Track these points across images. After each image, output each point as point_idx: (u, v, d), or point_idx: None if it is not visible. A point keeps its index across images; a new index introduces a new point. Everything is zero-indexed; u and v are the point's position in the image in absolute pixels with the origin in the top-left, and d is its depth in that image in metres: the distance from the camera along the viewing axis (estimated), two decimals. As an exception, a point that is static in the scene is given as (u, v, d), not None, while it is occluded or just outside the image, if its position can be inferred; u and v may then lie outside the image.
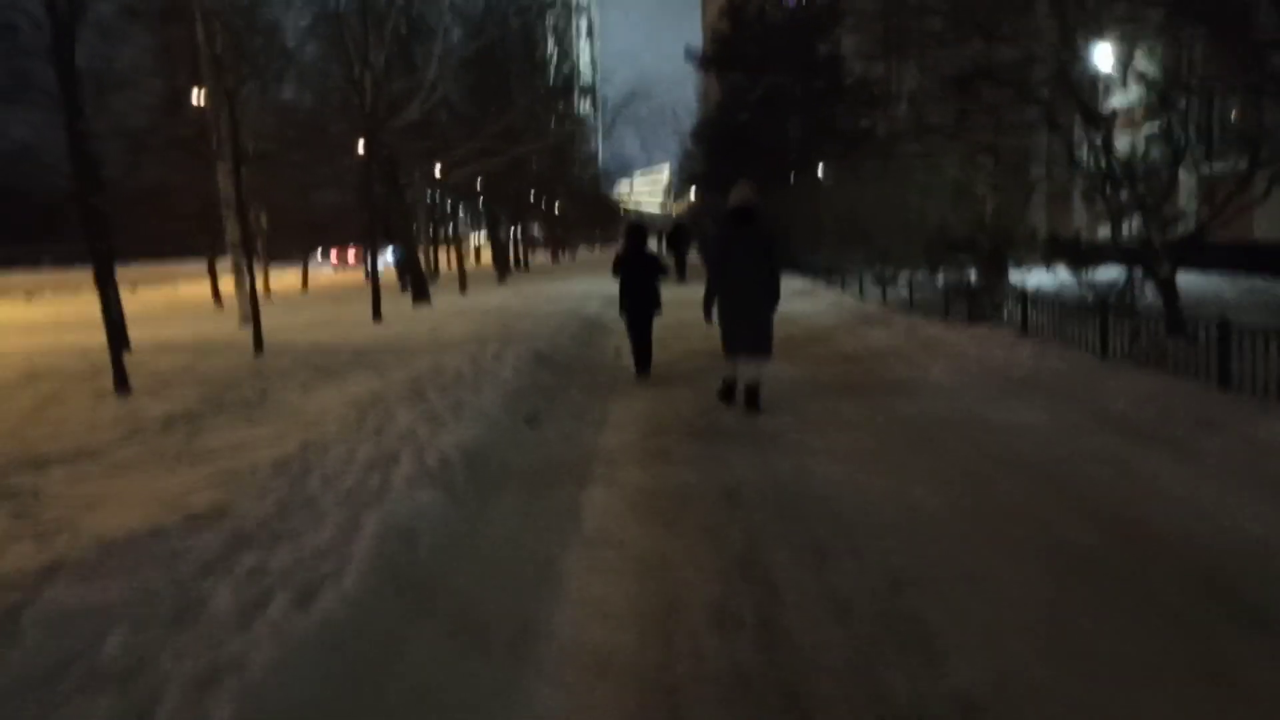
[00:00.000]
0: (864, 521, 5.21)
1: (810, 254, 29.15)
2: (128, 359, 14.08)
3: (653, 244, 12.22)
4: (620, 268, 11.22)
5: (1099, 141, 11.73)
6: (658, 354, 11.94)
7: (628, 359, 11.60)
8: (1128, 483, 5.76)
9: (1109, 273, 14.43)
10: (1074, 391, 8.24)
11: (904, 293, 17.25)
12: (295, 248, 45.30)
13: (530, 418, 7.82)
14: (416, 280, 24.95)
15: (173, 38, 18.50)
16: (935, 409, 8.17)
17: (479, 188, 38.78)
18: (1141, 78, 16.24)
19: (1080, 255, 13.82)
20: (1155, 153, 12.04)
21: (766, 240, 8.80)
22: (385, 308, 22.75)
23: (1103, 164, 11.52)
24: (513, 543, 4.93)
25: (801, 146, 38.04)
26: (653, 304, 11.19)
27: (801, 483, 6.05)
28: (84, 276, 19.20)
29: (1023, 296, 10.97)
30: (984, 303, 12.93)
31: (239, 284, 21.73)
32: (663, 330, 15.60)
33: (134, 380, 11.27)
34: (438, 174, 26.51)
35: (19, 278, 53.39)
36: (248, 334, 15.16)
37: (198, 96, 18.00)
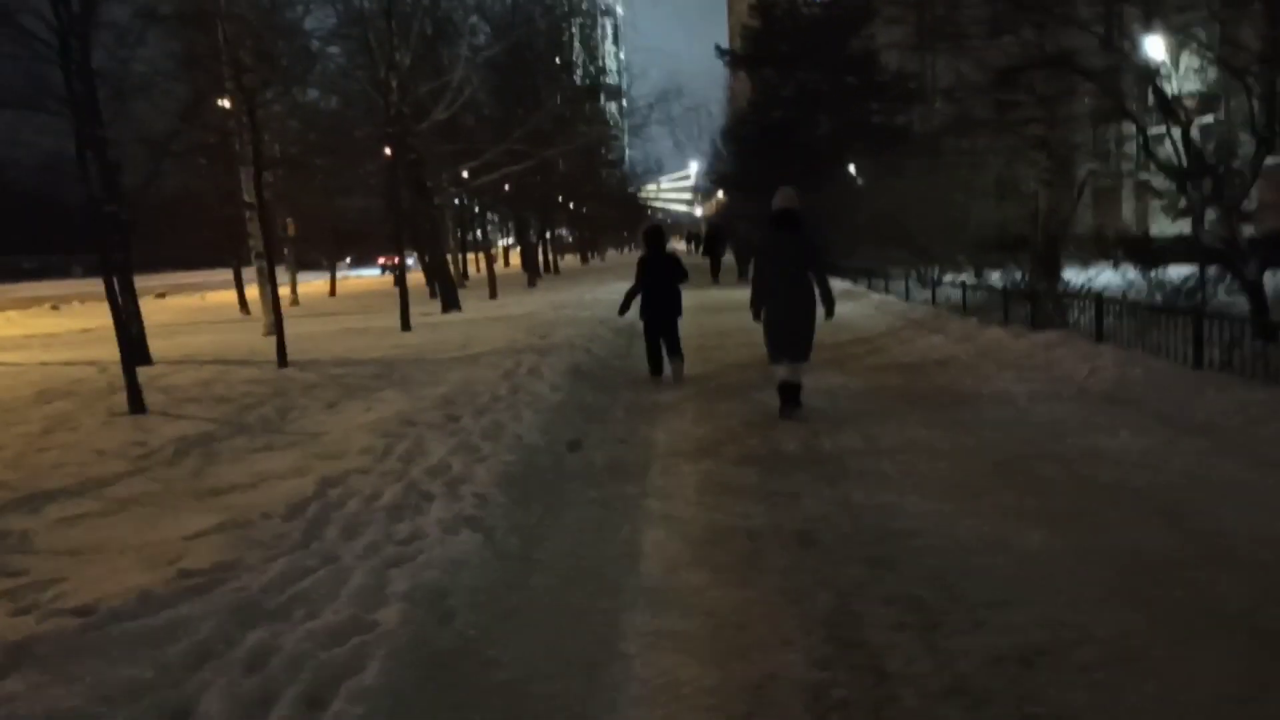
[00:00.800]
0: (969, 574, 4.47)
1: (848, 255, 28.34)
2: (147, 374, 13.55)
3: (683, 245, 12.35)
4: (644, 271, 11.02)
5: (1176, 133, 10.89)
6: (698, 366, 11.29)
7: (668, 371, 11.06)
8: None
9: (1175, 272, 13.63)
10: (1174, 409, 7.43)
11: (952, 294, 16.44)
12: (324, 254, 45.01)
13: (573, 444, 7.13)
14: (445, 287, 24.37)
15: (194, 41, 17.99)
16: (1018, 429, 7.41)
17: (507, 190, 38.23)
18: (1204, 64, 15.36)
19: (1152, 254, 13.02)
20: (1233, 143, 11.22)
21: (810, 245, 8.81)
22: (415, 316, 22.22)
23: (1181, 156, 10.68)
24: (563, 604, 4.24)
25: (835, 145, 37.19)
26: (675, 308, 10.96)
27: (884, 523, 5.32)
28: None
29: (1097, 300, 10.17)
30: (1046, 306, 12.13)
31: (263, 292, 21.26)
32: (702, 339, 14.96)
33: (151, 398, 10.74)
34: (464, 177, 25.89)
35: (49, 287, 53.49)
36: (272, 344, 14.60)
37: (220, 101, 17.47)
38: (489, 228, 65.45)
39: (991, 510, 5.42)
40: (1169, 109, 11.21)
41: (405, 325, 18.89)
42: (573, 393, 8.83)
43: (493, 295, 29.72)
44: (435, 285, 26.40)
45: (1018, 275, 15.84)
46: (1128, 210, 25.11)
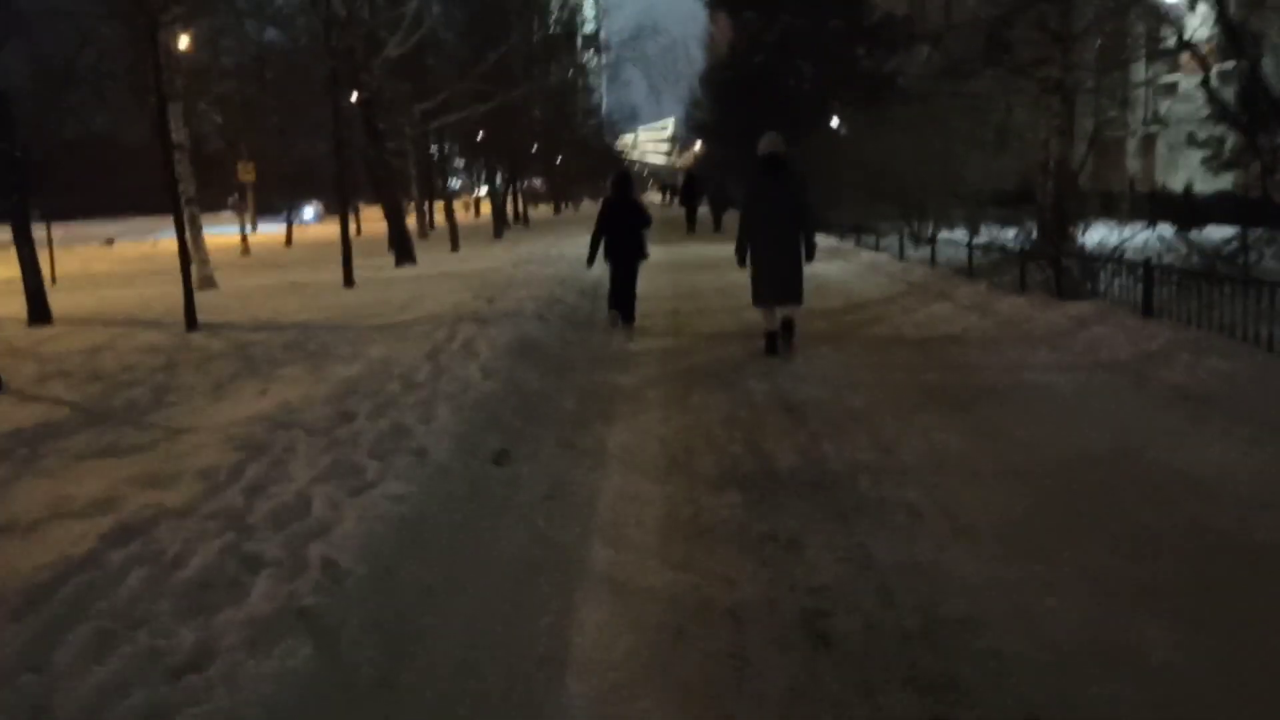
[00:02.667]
0: (1062, 689, 2.85)
1: (834, 209, 26.60)
2: (35, 337, 11.74)
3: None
4: (606, 216, 11.14)
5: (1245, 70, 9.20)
6: (668, 339, 9.73)
7: (639, 341, 9.50)
8: None
9: (1215, 234, 12.02)
10: (1274, 409, 5.80)
11: (953, 254, 14.79)
12: (284, 200, 42.79)
13: (499, 456, 5.43)
14: (399, 238, 22.47)
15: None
16: (1076, 438, 5.75)
17: (479, 139, 36.17)
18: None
19: (1190, 213, 11.40)
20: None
21: (796, 188, 8.88)
22: (366, 269, 20.40)
23: (1250, 99, 9.01)
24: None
25: (820, 92, 35.28)
26: (638, 253, 11.11)
27: (927, 601, 3.67)
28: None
29: (1146, 266, 8.50)
30: (1073, 271, 10.47)
31: (192, 242, 19.31)
32: (676, 301, 13.25)
33: (20, 369, 9.16)
34: (420, 118, 23.89)
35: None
36: (203, 299, 12.87)
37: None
38: (458, 176, 63.26)
39: (1079, 580, 3.78)
40: (1236, 40, 9.48)
41: (348, 281, 17.08)
42: (512, 378, 7.10)
43: (454, 247, 27.84)
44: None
45: (1027, 233, 14.21)
46: (1134, 165, 23.48)
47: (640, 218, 11.21)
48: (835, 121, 35.08)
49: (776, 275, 8.77)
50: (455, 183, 66.40)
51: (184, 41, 29.89)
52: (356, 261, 23.11)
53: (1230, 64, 19.92)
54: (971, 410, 6.58)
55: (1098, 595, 3.65)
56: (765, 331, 8.94)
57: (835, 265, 17.57)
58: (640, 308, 11.65)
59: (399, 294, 14.45)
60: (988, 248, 12.97)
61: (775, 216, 8.73)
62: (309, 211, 55.73)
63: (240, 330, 11.19)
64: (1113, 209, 19.11)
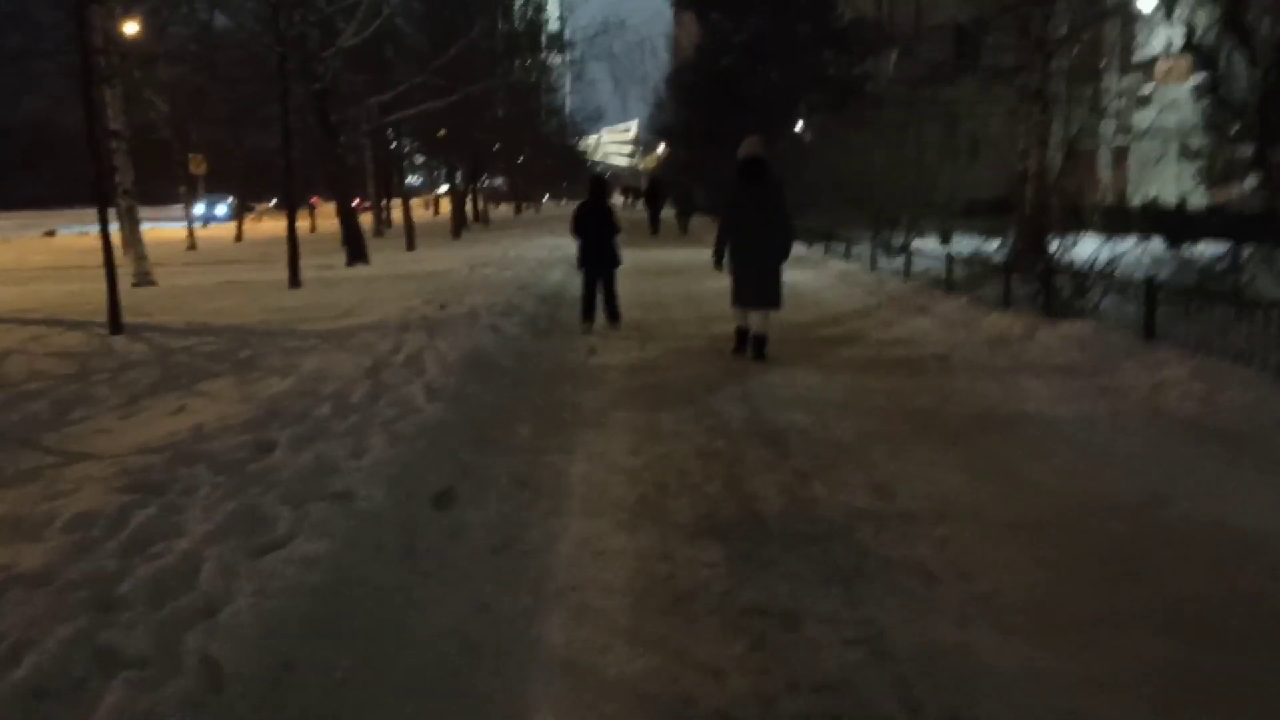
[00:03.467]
0: None
1: (802, 216, 26.05)
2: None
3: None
4: (581, 220, 11.06)
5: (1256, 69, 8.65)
6: (634, 351, 9.06)
7: (602, 354, 8.81)
8: None
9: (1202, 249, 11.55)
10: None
11: (929, 265, 14.21)
12: (236, 194, 41.48)
13: (441, 498, 4.68)
14: (351, 237, 21.57)
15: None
16: (1095, 483, 5.10)
17: (439, 136, 35.21)
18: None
19: (1182, 226, 10.90)
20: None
21: (776, 193, 8.87)
22: (316, 268, 19.54)
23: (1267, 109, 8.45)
24: None
25: (788, 96, 34.74)
26: (612, 259, 11.09)
27: (959, 710, 2.98)
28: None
29: (1149, 285, 7.90)
30: (1061, 288, 9.87)
31: (129, 236, 18.33)
32: (643, 311, 12.51)
33: None
34: (374, 111, 22.97)
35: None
36: (139, 297, 12.03)
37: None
38: (419, 173, 62.12)
39: (1137, 673, 3.11)
40: (1244, 36, 8.93)
41: (294, 281, 16.20)
42: (461, 398, 6.34)
43: (410, 247, 26.94)
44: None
45: (997, 245, 13.69)
46: (1105, 176, 23.15)
47: (612, 223, 11.10)
48: (800, 126, 34.59)
49: (757, 279, 8.78)
50: (416, 180, 65.32)
51: (133, 26, 28.82)
52: (307, 260, 22.18)
53: (1204, 76, 19.61)
54: (972, 444, 5.92)
55: (1168, 697, 2.98)
56: (736, 328, 9.04)
57: (805, 274, 16.94)
58: (604, 320, 10.97)
59: (346, 296, 13.63)
60: (970, 260, 12.36)
61: (757, 222, 8.74)
62: (220, 208, 50.72)
63: (169, 334, 10.33)
64: (1092, 222, 18.70)
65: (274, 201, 59.12)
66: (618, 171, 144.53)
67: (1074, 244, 10.25)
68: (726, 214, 9.12)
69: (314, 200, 49.67)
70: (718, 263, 9.13)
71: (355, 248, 21.44)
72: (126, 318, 11.60)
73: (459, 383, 6.64)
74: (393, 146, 34.70)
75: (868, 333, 10.29)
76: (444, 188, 63.93)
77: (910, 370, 8.26)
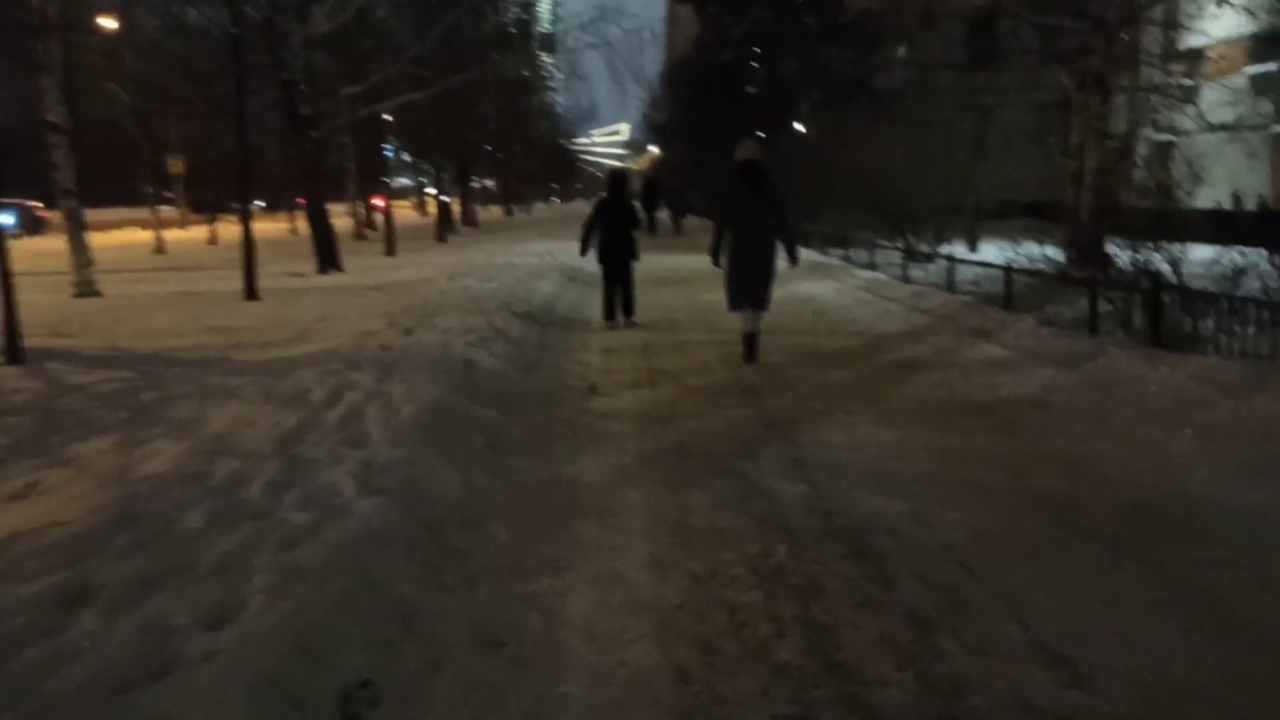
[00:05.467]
0: None
1: (813, 220, 24.21)
2: None
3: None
4: (600, 216, 11.42)
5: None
6: (644, 391, 7.20)
7: (604, 394, 6.98)
8: None
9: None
10: None
11: (970, 275, 12.41)
12: (216, 195, 39.41)
13: (356, 696, 2.79)
14: (323, 242, 19.65)
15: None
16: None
17: (426, 134, 33.33)
18: None
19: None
20: None
21: (773, 195, 8.92)
22: (282, 277, 17.73)
23: None
24: None
25: (792, 93, 32.94)
26: (631, 253, 11.37)
27: None
28: None
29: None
30: (1170, 308, 8.02)
31: (71, 241, 16.38)
32: (650, 333, 10.58)
33: None
34: (348, 103, 21.09)
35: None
36: (81, 309, 10.15)
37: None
38: (408, 175, 60.14)
39: None
40: None
41: (250, 292, 14.30)
42: (410, 485, 4.45)
43: (389, 251, 25.04)
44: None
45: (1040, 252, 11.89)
46: (1139, 176, 21.35)
47: (631, 218, 11.50)
48: (804, 124, 32.73)
49: (750, 279, 8.80)
50: (405, 181, 63.29)
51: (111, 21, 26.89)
52: (277, 266, 20.34)
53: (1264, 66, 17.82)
54: (1149, 559, 4.07)
55: None
56: (743, 335, 8.91)
57: (826, 286, 15.09)
58: (605, 342, 9.19)
59: (304, 312, 11.77)
60: (1046, 272, 10.53)
61: (752, 224, 8.79)
62: (4, 217, 47.64)
63: (78, 364, 8.48)
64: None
65: (263, 204, 56.98)
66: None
67: (1180, 254, 8.40)
68: (723, 214, 9.22)
69: (302, 200, 47.10)
70: (715, 259, 9.24)
71: (327, 254, 19.53)
72: (46, 338, 9.87)
73: (411, 457, 4.76)
74: (375, 144, 32.89)
75: (928, 365, 8.42)
76: (432, 189, 62.01)
77: (1003, 422, 6.40)
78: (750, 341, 8.81)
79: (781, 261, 9.09)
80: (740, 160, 8.92)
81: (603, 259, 11.27)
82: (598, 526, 4.50)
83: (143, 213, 39.22)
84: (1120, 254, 9.32)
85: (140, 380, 7.39)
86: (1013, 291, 10.78)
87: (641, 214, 13.07)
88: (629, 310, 11.26)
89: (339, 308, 12.04)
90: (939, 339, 9.64)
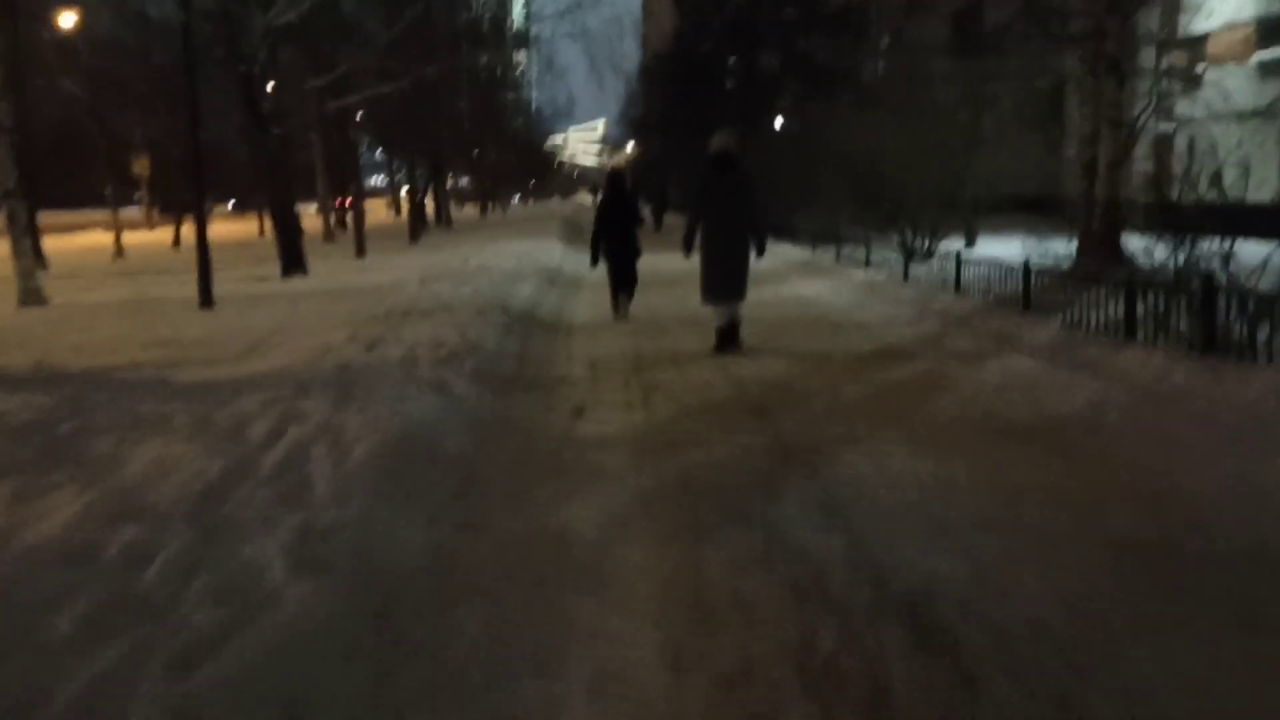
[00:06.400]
0: None
1: (796, 215, 23.37)
2: None
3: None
4: (604, 215, 11.69)
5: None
6: (642, 414, 6.27)
7: (593, 418, 6.08)
8: None
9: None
10: None
11: (977, 273, 11.60)
12: (187, 196, 38.11)
13: None
14: (288, 244, 18.64)
15: None
16: None
17: (399, 130, 32.29)
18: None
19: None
20: None
21: (745, 184, 8.97)
22: (245, 281, 16.82)
23: None
24: None
25: (774, 84, 32.09)
26: (634, 249, 11.58)
27: None
28: None
29: None
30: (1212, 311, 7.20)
31: (15, 247, 15.30)
32: (639, 339, 9.59)
33: None
34: (312, 97, 20.09)
35: None
36: (16, 320, 9.21)
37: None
38: (381, 173, 58.99)
39: None
40: None
41: (205, 299, 13.33)
42: (357, 558, 3.53)
43: (359, 253, 24.04)
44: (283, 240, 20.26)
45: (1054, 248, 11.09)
46: (1137, 169, 20.64)
47: (635, 214, 11.87)
48: (788, 115, 31.88)
49: (725, 272, 8.85)
50: (380, 180, 62.06)
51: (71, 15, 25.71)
52: (240, 270, 19.37)
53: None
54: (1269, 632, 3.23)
55: None
56: (717, 328, 8.93)
57: (823, 286, 14.25)
58: (591, 354, 8.31)
59: (261, 322, 10.83)
60: (1055, 271, 9.71)
61: (725, 213, 8.85)
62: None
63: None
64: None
65: (231, 203, 55.57)
66: (585, 170, 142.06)
67: (1230, 250, 7.58)
68: (696, 204, 9.22)
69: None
70: (687, 252, 9.23)
71: (292, 257, 18.52)
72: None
73: (361, 515, 3.84)
74: (345, 141, 31.81)
75: (952, 376, 7.56)
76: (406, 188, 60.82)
77: (1056, 448, 5.54)
78: (723, 335, 8.83)
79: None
80: (714, 150, 9.03)
81: (607, 257, 11.55)
82: (595, 603, 3.60)
83: (108, 214, 38.05)
84: (1153, 250, 8.51)
85: (61, 408, 6.42)
86: (1031, 292, 9.95)
87: (647, 214, 12.98)
88: (629, 296, 11.63)
89: (299, 317, 11.09)
90: (959, 345, 8.79)
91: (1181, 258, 8.08)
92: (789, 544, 4.18)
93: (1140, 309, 8.08)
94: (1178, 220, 8.40)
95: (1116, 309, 8.71)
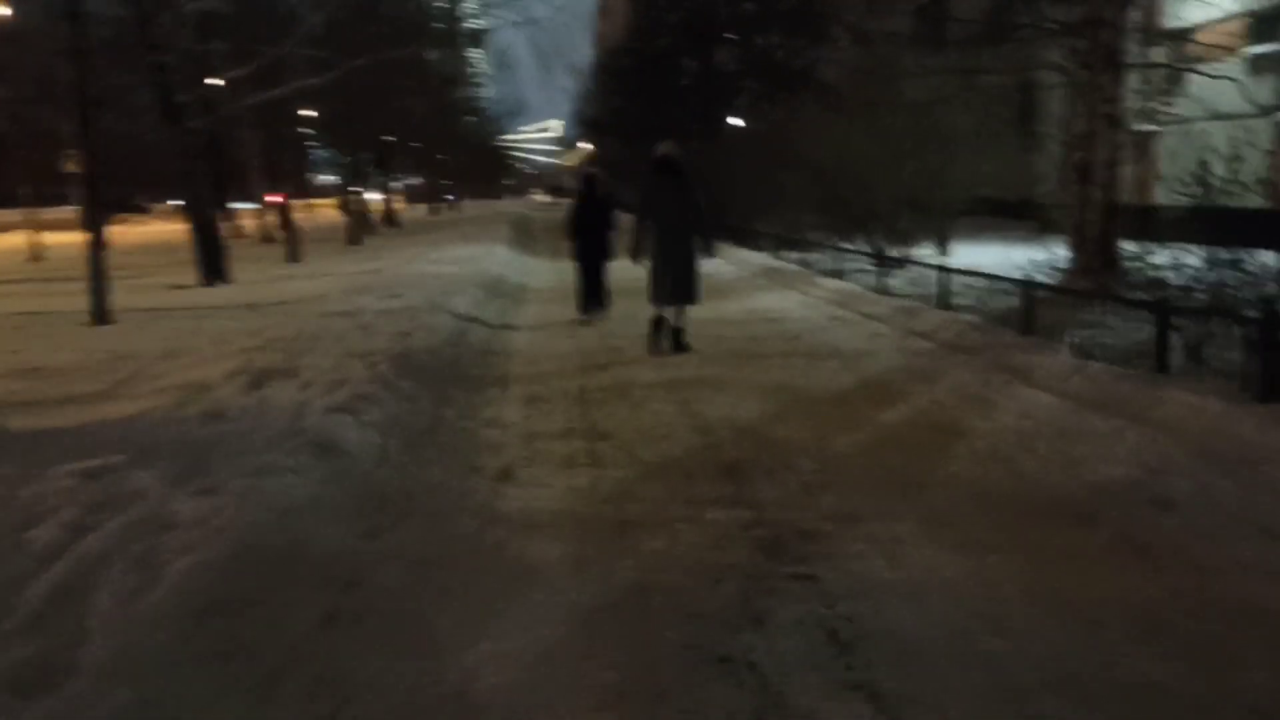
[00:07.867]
0: None
1: (758, 219, 22.17)
2: None
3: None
4: (577, 219, 11.52)
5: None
6: (587, 474, 4.88)
7: (525, 479, 4.76)
8: None
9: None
10: None
11: (954, 287, 10.46)
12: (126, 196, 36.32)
13: None
14: (208, 250, 17.06)
15: None
16: None
17: (329, 123, 30.68)
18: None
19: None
20: None
21: (689, 187, 9.07)
22: (162, 289, 15.37)
23: None
24: None
25: (733, 83, 30.88)
26: (606, 252, 11.36)
27: None
28: None
29: None
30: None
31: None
32: (586, 372, 8.25)
33: None
34: (236, 89, 18.50)
35: None
36: None
37: None
38: (334, 172, 56.98)
39: None
40: None
41: (98, 315, 11.83)
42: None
43: (293, 258, 22.45)
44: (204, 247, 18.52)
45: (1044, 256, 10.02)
46: (1123, 174, 19.66)
47: (609, 217, 11.45)
48: (747, 115, 30.68)
49: (673, 276, 8.89)
50: (333, 179, 60.02)
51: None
52: (162, 276, 17.92)
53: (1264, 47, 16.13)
54: None
55: None
56: (651, 319, 9.01)
57: (790, 299, 13.01)
58: (529, 387, 6.98)
59: (150, 344, 9.43)
60: (1057, 288, 8.53)
61: (671, 217, 8.95)
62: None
63: None
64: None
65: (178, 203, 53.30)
66: (541, 169, 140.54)
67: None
68: (642, 210, 9.20)
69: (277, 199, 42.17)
70: (634, 257, 9.24)
71: (212, 264, 16.95)
72: None
73: (139, 704, 2.47)
74: (284, 137, 30.17)
75: (960, 422, 6.27)
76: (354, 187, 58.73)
77: (1122, 537, 4.25)
78: (660, 325, 8.87)
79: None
80: (657, 156, 9.21)
81: (578, 257, 11.39)
82: None
83: (44, 214, 35.95)
84: (1180, 263, 7.37)
85: None
86: (1034, 311, 8.76)
87: (616, 217, 11.67)
88: (600, 304, 11.32)
89: (196, 338, 9.65)
90: (957, 377, 7.53)
91: (1219, 275, 6.98)
92: (788, 714, 2.88)
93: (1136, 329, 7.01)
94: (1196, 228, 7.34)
95: (1134, 333, 7.63)
